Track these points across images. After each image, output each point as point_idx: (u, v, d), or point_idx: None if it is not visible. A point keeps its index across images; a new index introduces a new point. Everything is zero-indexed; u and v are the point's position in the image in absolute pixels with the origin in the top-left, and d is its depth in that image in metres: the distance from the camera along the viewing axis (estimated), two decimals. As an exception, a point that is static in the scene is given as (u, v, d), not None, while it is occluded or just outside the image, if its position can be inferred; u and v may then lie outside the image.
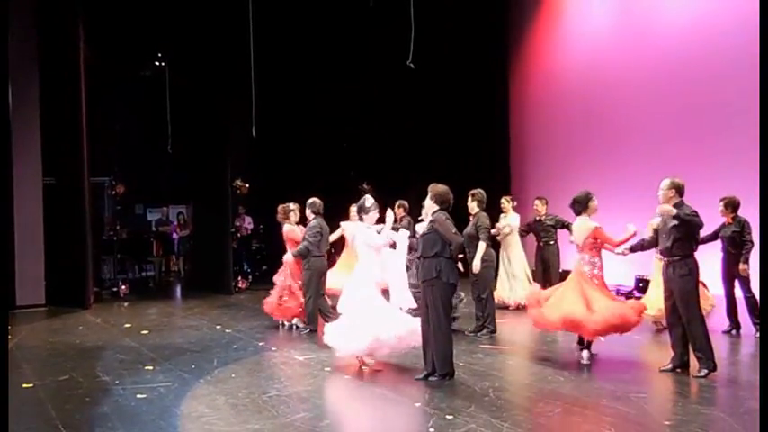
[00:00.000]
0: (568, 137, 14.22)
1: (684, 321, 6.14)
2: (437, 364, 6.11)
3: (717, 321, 8.32)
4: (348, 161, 15.05)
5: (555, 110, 14.58)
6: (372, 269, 6.65)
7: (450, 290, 6.22)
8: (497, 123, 15.63)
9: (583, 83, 13.89)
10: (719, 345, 7.79)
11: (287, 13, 13.85)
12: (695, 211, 6.10)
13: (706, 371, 6.02)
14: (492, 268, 8.52)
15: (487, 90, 15.32)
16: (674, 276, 6.16)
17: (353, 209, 8.26)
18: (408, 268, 8.24)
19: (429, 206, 6.29)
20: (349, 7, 14.05)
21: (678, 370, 6.24)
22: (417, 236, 6.86)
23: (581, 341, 6.90)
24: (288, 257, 8.79)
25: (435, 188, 6.30)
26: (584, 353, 6.74)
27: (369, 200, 6.85)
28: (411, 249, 7.81)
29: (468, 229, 8.32)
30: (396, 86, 14.06)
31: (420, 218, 8.80)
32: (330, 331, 6.72)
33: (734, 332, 8.05)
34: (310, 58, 14.59)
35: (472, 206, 8.38)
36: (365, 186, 14.02)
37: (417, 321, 6.36)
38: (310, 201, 8.75)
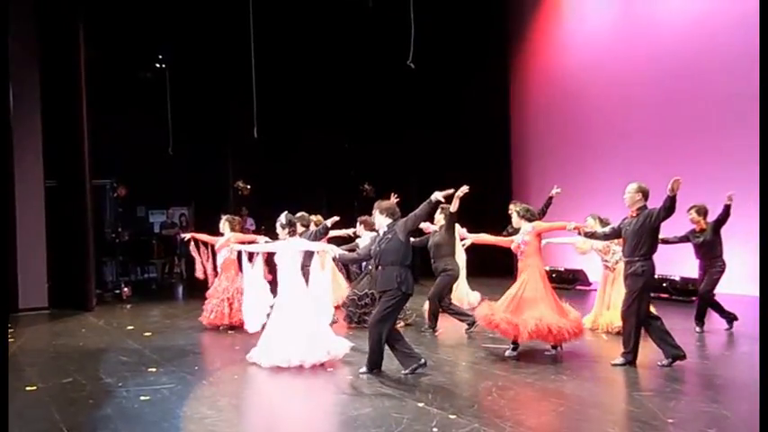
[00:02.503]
0: (570, 135, 14.20)
1: (621, 313, 6.48)
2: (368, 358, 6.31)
3: (714, 321, 8.33)
4: (349, 161, 15.06)
5: (556, 108, 14.57)
6: (295, 284, 6.86)
7: (405, 299, 6.35)
8: (498, 123, 15.61)
9: (584, 81, 13.88)
10: (719, 342, 7.80)
11: (287, 14, 13.87)
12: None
13: (623, 361, 6.38)
14: (453, 278, 8.42)
15: (488, 89, 15.32)
16: (628, 274, 6.42)
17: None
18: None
19: (381, 221, 6.33)
20: (349, 8, 14.08)
21: (676, 361, 6.34)
22: (359, 252, 7.04)
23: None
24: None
25: (381, 204, 6.38)
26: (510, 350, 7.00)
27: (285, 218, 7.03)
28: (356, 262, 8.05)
29: (436, 239, 8.37)
30: (396, 86, 14.06)
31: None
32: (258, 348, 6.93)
33: (733, 324, 8.07)
34: (311, 58, 14.60)
35: (439, 218, 8.40)
36: (366, 186, 14.04)
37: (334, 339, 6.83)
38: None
